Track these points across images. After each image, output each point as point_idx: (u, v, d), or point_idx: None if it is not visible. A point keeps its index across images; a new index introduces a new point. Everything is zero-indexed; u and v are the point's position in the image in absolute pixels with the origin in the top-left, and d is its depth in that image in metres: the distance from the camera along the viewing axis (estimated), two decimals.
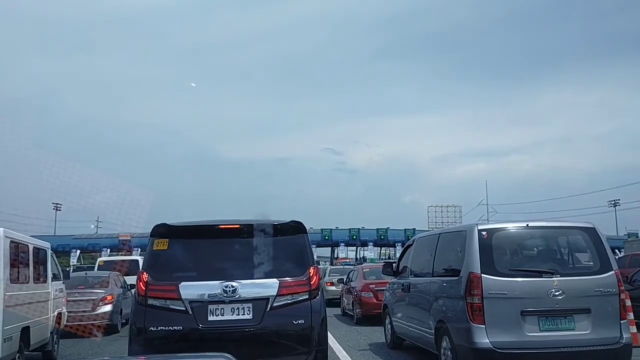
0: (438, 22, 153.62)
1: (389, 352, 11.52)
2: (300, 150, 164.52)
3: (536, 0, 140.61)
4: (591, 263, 7.99)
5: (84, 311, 15.10)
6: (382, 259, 64.47)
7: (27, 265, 10.00)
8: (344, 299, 20.12)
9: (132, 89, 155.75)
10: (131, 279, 18.18)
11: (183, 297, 7.13)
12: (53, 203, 63.56)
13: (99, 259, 31.56)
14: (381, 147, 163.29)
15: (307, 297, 7.38)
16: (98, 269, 24.63)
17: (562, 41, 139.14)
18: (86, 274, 19.46)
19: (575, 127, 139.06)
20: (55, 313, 11.61)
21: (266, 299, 7.23)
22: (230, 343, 6.79)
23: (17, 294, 9.17)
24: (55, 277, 11.85)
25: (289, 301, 7.31)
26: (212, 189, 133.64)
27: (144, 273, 7.39)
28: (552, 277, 7.59)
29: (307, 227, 8.22)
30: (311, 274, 7.50)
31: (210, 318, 7.14)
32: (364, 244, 70.88)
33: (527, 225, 8.24)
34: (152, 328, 7.09)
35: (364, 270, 18.77)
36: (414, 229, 64.10)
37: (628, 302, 11.26)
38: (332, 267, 35.67)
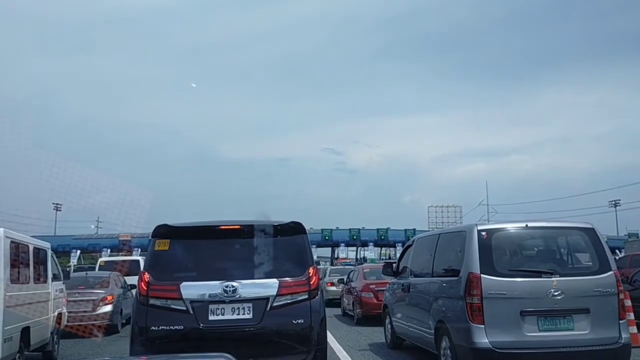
0: (438, 22, 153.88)
1: (389, 352, 11.53)
2: (300, 150, 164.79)
3: (536, 0, 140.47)
4: (590, 263, 8.01)
5: (85, 311, 15.12)
6: (382, 259, 64.46)
7: (28, 265, 10.00)
8: (344, 299, 20.12)
9: (132, 89, 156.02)
10: (132, 279, 18.22)
11: (184, 296, 7.19)
12: (53, 203, 63.73)
13: (100, 259, 31.59)
14: (381, 147, 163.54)
15: (306, 297, 7.44)
16: (99, 269, 24.67)
17: (562, 41, 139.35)
18: (86, 274, 19.47)
19: (576, 127, 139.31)
20: (56, 313, 11.62)
21: (266, 299, 7.29)
22: (231, 342, 6.88)
23: (17, 294, 9.17)
24: (55, 278, 11.86)
25: (288, 301, 7.37)
26: (212, 189, 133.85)
27: (146, 273, 7.48)
28: (551, 277, 7.61)
29: (307, 228, 8.26)
30: (311, 274, 7.56)
31: (211, 318, 7.19)
32: (364, 244, 70.87)
33: (527, 225, 8.26)
34: (153, 327, 7.15)
35: (365, 270, 18.77)
36: (414, 229, 64.10)
37: (628, 302, 11.29)
38: (333, 267, 35.68)
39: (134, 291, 17.56)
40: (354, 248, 75.09)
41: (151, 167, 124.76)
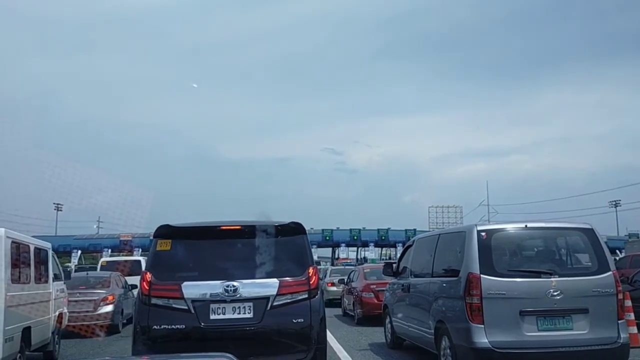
0: (438, 22, 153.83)
1: (389, 352, 11.56)
2: (300, 150, 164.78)
3: (536, 0, 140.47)
4: (589, 263, 8.04)
5: (86, 311, 15.13)
6: (383, 259, 64.41)
7: (29, 265, 10.02)
8: (344, 299, 20.14)
9: (132, 89, 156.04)
10: (134, 280, 18.25)
11: (185, 296, 7.26)
12: (54, 203, 63.91)
13: (102, 260, 31.62)
14: (381, 147, 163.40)
15: (306, 296, 7.51)
16: (101, 269, 24.74)
17: (562, 41, 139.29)
18: (87, 274, 19.51)
19: (576, 127, 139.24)
20: (57, 313, 11.64)
21: (266, 298, 7.36)
22: (232, 341, 6.98)
23: (18, 294, 9.19)
24: (56, 278, 11.88)
25: (288, 300, 7.44)
26: (213, 189, 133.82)
27: (148, 273, 7.54)
28: (550, 278, 7.64)
29: (308, 228, 8.32)
30: (310, 274, 7.63)
31: (212, 317, 7.26)
32: (365, 244, 70.84)
33: (526, 226, 8.29)
34: (155, 326, 7.22)
35: (365, 270, 18.79)
36: (414, 230, 64.09)
37: (628, 303, 11.29)
38: (333, 267, 35.77)
39: (134, 291, 17.66)
40: (355, 248, 75.06)
41: (152, 167, 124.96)
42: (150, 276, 7.46)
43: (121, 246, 64.34)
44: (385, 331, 12.32)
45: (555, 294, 7.53)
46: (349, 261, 60.72)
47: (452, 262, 8.64)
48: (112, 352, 12.58)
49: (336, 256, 71.15)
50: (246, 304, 7.32)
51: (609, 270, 7.85)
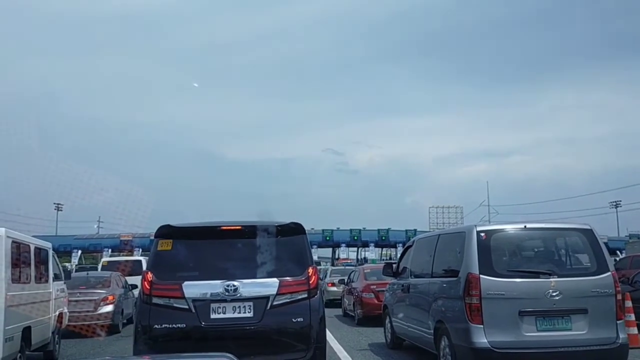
0: (439, 23, 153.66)
1: (389, 352, 11.57)
2: (301, 150, 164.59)
3: (538, 2, 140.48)
4: (588, 264, 8.05)
5: (86, 311, 15.15)
6: (383, 259, 64.43)
7: (29, 265, 10.04)
8: (345, 299, 20.14)
9: (133, 89, 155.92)
10: (135, 280, 18.30)
11: (186, 295, 7.32)
12: (54, 203, 63.87)
13: (103, 259, 31.68)
14: (382, 148, 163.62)
15: (306, 296, 7.57)
16: (102, 269, 24.80)
17: (564, 43, 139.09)
18: (87, 274, 19.56)
19: (577, 129, 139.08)
20: (57, 313, 11.66)
21: (266, 298, 7.41)
22: (232, 340, 7.06)
23: (18, 294, 9.21)
24: (56, 277, 11.90)
25: (288, 300, 7.49)
26: (214, 189, 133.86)
27: (149, 273, 7.60)
28: (549, 278, 7.66)
29: (308, 228, 8.38)
30: (310, 274, 7.68)
31: (213, 316, 7.32)
32: (365, 244, 70.79)
33: (525, 226, 8.31)
34: (156, 326, 7.27)
35: (365, 271, 18.79)
36: (415, 230, 64.04)
37: (629, 304, 11.34)
38: (333, 267, 35.78)
39: (135, 291, 17.70)
40: (355, 248, 75.02)
41: (152, 167, 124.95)
42: (151, 276, 7.51)
43: (121, 246, 64.36)
44: (385, 331, 12.34)
45: (554, 294, 7.55)
46: (349, 261, 60.72)
47: (451, 263, 8.67)
48: (113, 352, 12.60)
49: (336, 256, 71.14)
50: (246, 304, 7.38)
51: (608, 270, 7.86)
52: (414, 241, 11.43)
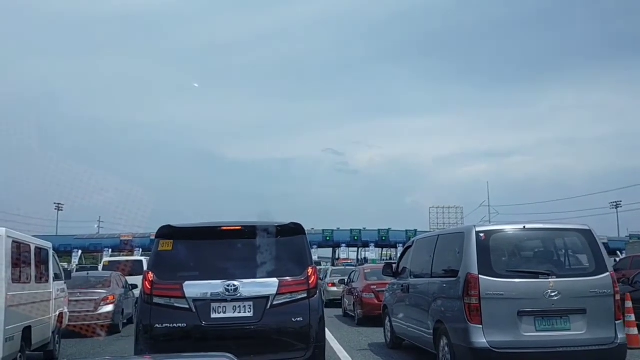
0: (439, 23, 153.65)
1: (389, 352, 11.60)
2: (301, 150, 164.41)
3: (538, 2, 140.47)
4: (587, 264, 8.08)
5: (86, 311, 15.16)
6: (383, 259, 64.47)
7: (29, 265, 10.05)
8: (345, 299, 20.15)
9: (133, 89, 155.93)
10: (136, 280, 18.31)
11: (187, 295, 7.38)
12: (55, 203, 63.93)
13: (104, 259, 31.70)
14: (382, 148, 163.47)
15: (305, 295, 7.62)
16: (103, 269, 24.84)
17: (564, 43, 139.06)
18: (88, 274, 19.59)
19: (577, 129, 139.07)
20: (57, 313, 11.68)
21: (266, 298, 7.47)
22: (232, 340, 7.15)
23: (19, 294, 9.22)
24: (57, 277, 11.92)
25: (288, 300, 7.55)
26: (214, 189, 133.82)
27: (150, 272, 7.66)
28: (548, 278, 7.68)
29: (309, 228, 8.45)
30: (309, 274, 7.74)
31: (213, 316, 7.38)
32: (366, 244, 70.78)
33: (524, 227, 8.33)
34: (157, 325, 7.34)
35: (366, 271, 18.80)
36: (415, 230, 63.99)
37: (629, 304, 11.35)
38: (334, 267, 35.76)
39: (135, 291, 17.72)
40: (355, 249, 74.97)
41: (153, 166, 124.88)
42: (152, 276, 7.58)
43: (122, 246, 64.42)
44: (384, 331, 12.36)
45: (553, 294, 7.57)
46: (349, 262, 60.77)
47: (451, 263, 8.69)
48: (113, 351, 12.62)
49: (337, 256, 71.15)
50: (246, 303, 7.43)
51: (607, 271, 7.88)
52: (413, 241, 11.45)
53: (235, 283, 7.41)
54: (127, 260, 26.82)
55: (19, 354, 9.24)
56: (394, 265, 12.01)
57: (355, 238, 68.93)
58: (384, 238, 68.63)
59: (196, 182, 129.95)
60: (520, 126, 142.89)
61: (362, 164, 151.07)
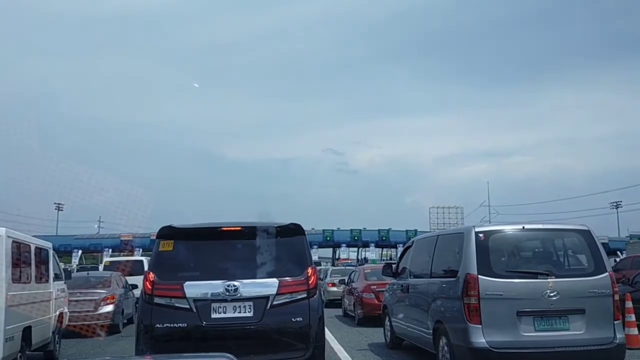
0: (439, 23, 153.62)
1: (389, 352, 11.61)
2: (302, 150, 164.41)
3: (538, 2, 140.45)
4: (586, 265, 8.09)
5: (86, 311, 15.17)
6: (383, 260, 64.46)
7: (29, 265, 10.06)
8: (345, 299, 20.16)
9: (134, 89, 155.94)
10: (137, 280, 18.32)
11: (187, 295, 7.42)
12: (55, 203, 63.99)
13: (105, 260, 31.72)
14: (382, 148, 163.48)
15: (305, 295, 7.66)
16: (104, 269, 24.86)
17: (564, 43, 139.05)
18: (88, 274, 19.61)
19: (577, 129, 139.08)
20: (57, 313, 11.69)
21: (266, 298, 7.50)
22: (232, 340, 7.19)
23: (19, 294, 9.23)
24: (57, 277, 11.93)
25: (288, 300, 7.58)
26: (214, 189, 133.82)
27: (151, 273, 7.70)
28: (547, 279, 7.69)
29: (309, 228, 8.48)
30: (309, 274, 7.78)
31: (213, 315, 7.41)
32: (366, 244, 70.75)
33: (523, 227, 8.35)
34: (158, 325, 7.38)
35: (366, 271, 18.80)
36: (415, 230, 63.95)
37: (629, 304, 11.36)
38: (334, 267, 35.74)
39: (135, 291, 17.73)
40: (355, 249, 75.00)
41: (153, 167, 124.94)
42: (153, 276, 7.61)
43: (122, 246, 64.44)
44: (384, 331, 12.38)
45: (552, 294, 7.59)
46: (349, 262, 60.77)
47: (450, 263, 8.70)
48: (113, 351, 12.64)
49: (337, 256, 71.20)
50: (246, 303, 7.46)
51: (606, 271, 7.90)
52: (413, 241, 11.47)
53: (236, 283, 7.44)
54: (127, 260, 26.85)
55: (19, 354, 9.25)
56: (394, 266, 12.02)
57: (356, 238, 68.92)
58: (384, 238, 68.61)
59: (196, 182, 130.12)
60: (520, 126, 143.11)
61: (362, 164, 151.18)
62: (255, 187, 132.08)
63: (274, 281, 7.56)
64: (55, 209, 70.24)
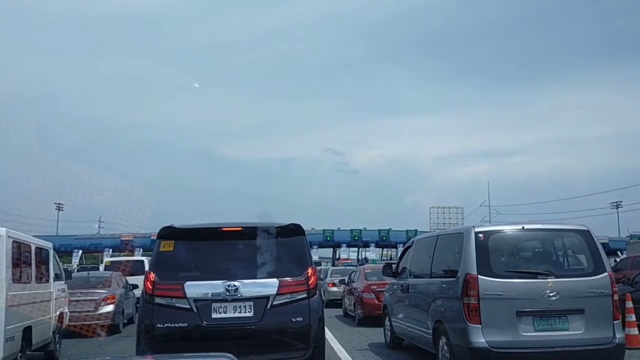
0: (439, 23, 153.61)
1: (389, 352, 11.63)
2: (302, 150, 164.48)
3: (538, 2, 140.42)
4: (585, 265, 8.11)
5: (87, 311, 15.18)
6: (384, 260, 64.43)
7: (30, 265, 10.07)
8: (345, 299, 20.16)
9: (134, 89, 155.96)
10: (137, 279, 18.33)
11: (188, 295, 7.44)
12: (55, 203, 63.97)
13: (106, 259, 31.74)
14: (383, 148, 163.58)
15: (305, 296, 7.67)
16: (105, 269, 24.87)
17: (564, 43, 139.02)
18: (88, 274, 19.61)
19: (577, 129, 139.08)
20: (57, 313, 11.69)
21: (266, 298, 7.52)
22: (233, 340, 7.21)
23: (19, 294, 9.24)
24: (57, 277, 11.94)
25: (288, 300, 7.60)
26: (214, 189, 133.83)
27: (151, 273, 7.73)
28: (546, 279, 7.71)
29: (309, 228, 8.50)
30: (309, 274, 7.79)
31: (214, 315, 7.43)
32: (366, 244, 70.75)
33: (523, 227, 8.37)
34: (159, 325, 7.40)
35: (366, 271, 18.81)
36: (415, 230, 63.90)
37: (630, 304, 11.37)
38: (334, 267, 35.76)
39: (135, 291, 17.73)
40: (356, 249, 75.03)
41: (153, 167, 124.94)
42: (154, 276, 7.64)
43: (122, 246, 64.47)
44: (384, 331, 12.39)
45: (551, 294, 7.60)
46: (349, 262, 60.80)
47: (450, 263, 8.72)
48: (113, 351, 12.65)
49: (337, 256, 71.24)
50: (247, 303, 7.48)
51: (605, 271, 7.91)
52: (413, 242, 11.48)
53: (236, 283, 7.46)
54: (128, 261, 26.87)
55: (20, 354, 9.26)
56: (394, 266, 12.04)
57: (356, 238, 68.91)
58: (384, 238, 68.61)
59: (196, 182, 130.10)
60: (520, 126, 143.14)
61: (362, 164, 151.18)
62: (255, 187, 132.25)
63: (274, 281, 7.58)
64: (56, 209, 70.27)
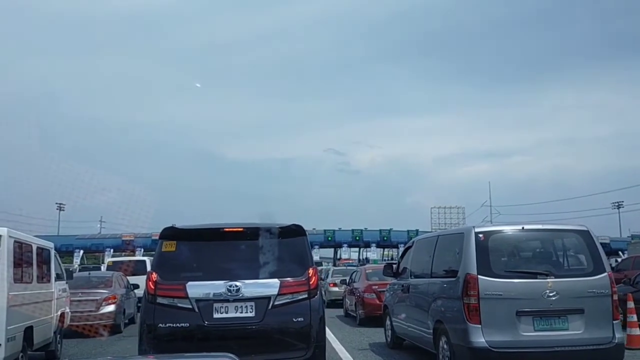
0: (439, 23, 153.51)
1: (390, 352, 11.65)
2: (303, 150, 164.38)
3: (538, 2, 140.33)
4: (585, 265, 8.12)
5: (88, 311, 15.18)
6: (385, 260, 64.47)
7: (31, 265, 10.08)
8: (346, 300, 20.16)
9: (135, 89, 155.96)
10: (139, 279, 18.34)
11: (190, 295, 7.49)
12: (56, 203, 64.00)
13: (108, 260, 31.78)
14: (384, 148, 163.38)
15: (306, 296, 7.71)
16: (107, 269, 24.90)
17: (564, 43, 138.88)
18: (89, 274, 19.61)
19: (577, 129, 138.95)
20: (59, 313, 11.71)
21: (268, 298, 7.57)
22: (234, 340, 7.25)
23: (20, 294, 9.27)
24: (58, 277, 11.95)
25: (289, 300, 7.65)
26: (214, 189, 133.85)
27: (154, 273, 7.78)
28: (546, 279, 7.72)
29: (310, 228, 8.53)
30: (310, 275, 7.83)
31: (216, 315, 7.47)
32: (367, 245, 70.71)
33: (523, 228, 8.40)
34: (161, 325, 7.45)
35: (367, 271, 18.83)
36: (416, 230, 63.77)
37: (631, 304, 11.38)
38: (335, 268, 35.73)
39: (137, 291, 17.74)
40: (357, 249, 75.02)
41: (154, 167, 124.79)
42: (156, 276, 7.69)
43: (123, 246, 64.53)
44: (385, 331, 12.41)
45: (551, 294, 7.62)
46: (351, 262, 60.81)
47: (450, 263, 8.74)
48: (114, 351, 12.66)
49: (338, 257, 71.24)
50: (248, 304, 7.52)
51: (605, 271, 7.93)
52: (413, 242, 11.51)
53: (238, 283, 7.50)
54: (130, 261, 26.90)
55: (21, 354, 9.28)
56: (394, 266, 12.07)
57: (357, 238, 68.89)
58: (385, 238, 68.60)
59: (196, 182, 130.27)
60: (520, 126, 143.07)
61: (363, 164, 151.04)
62: (255, 187, 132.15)
63: (276, 281, 7.62)
64: (57, 209, 70.18)
